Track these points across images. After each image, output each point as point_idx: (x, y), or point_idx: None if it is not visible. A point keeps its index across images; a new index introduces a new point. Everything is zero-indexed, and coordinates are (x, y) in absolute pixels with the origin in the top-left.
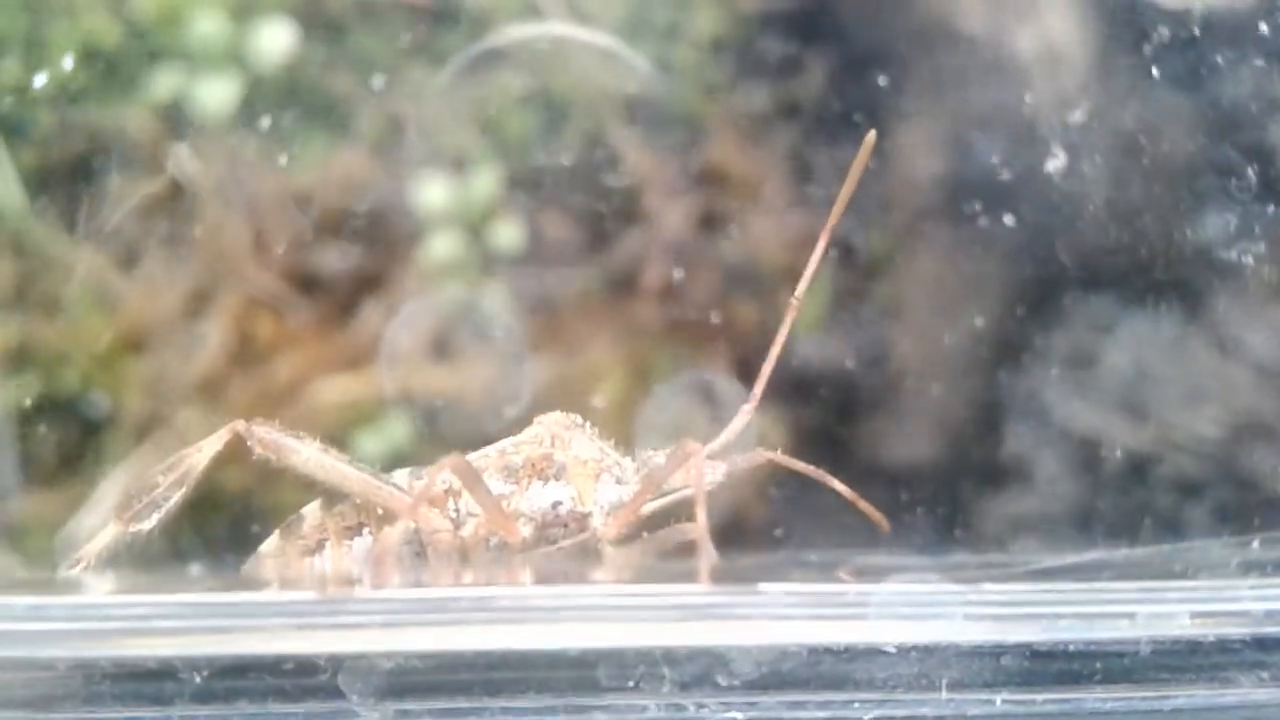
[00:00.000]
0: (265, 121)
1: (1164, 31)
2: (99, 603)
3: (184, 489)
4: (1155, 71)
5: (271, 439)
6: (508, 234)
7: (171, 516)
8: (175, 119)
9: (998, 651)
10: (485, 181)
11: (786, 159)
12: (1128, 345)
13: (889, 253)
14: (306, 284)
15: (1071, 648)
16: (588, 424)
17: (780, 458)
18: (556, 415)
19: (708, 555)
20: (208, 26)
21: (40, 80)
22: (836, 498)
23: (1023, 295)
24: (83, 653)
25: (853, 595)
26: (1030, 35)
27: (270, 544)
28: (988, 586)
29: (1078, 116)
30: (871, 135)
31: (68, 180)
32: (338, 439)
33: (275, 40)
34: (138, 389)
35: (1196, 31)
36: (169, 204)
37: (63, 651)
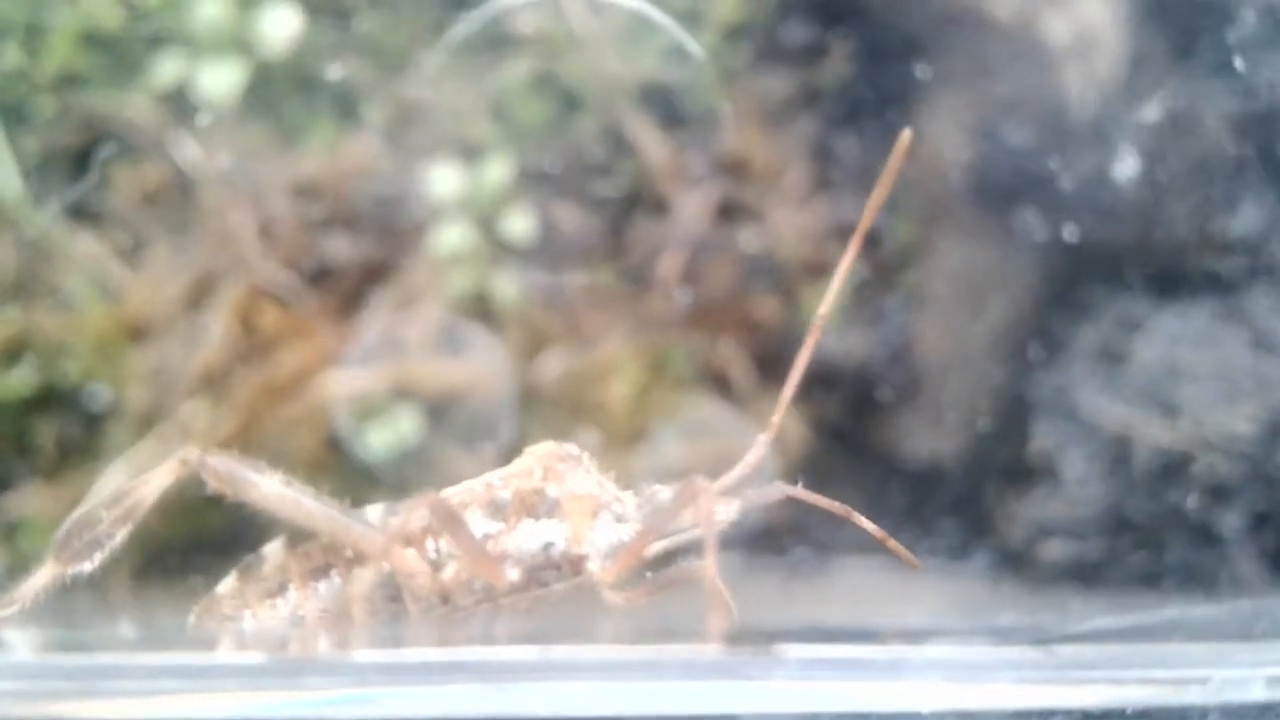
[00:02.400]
0: (270, 108)
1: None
2: (27, 663)
3: (129, 526)
4: (1190, 57)
5: (226, 471)
6: (519, 224)
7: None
8: (179, 105)
9: (1045, 715)
10: (497, 170)
11: (808, 147)
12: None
13: (913, 242)
14: (313, 274)
15: (1129, 711)
16: (585, 455)
17: (801, 492)
18: (549, 446)
19: (721, 610)
20: (212, 11)
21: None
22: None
23: (1052, 286)
24: (12, 714)
25: (886, 658)
26: (1062, 20)
27: (226, 585)
28: (1041, 648)
29: (1110, 104)
30: (906, 134)
31: (69, 167)
32: (344, 432)
33: (280, 25)
34: (140, 380)
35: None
36: (172, 192)
37: None
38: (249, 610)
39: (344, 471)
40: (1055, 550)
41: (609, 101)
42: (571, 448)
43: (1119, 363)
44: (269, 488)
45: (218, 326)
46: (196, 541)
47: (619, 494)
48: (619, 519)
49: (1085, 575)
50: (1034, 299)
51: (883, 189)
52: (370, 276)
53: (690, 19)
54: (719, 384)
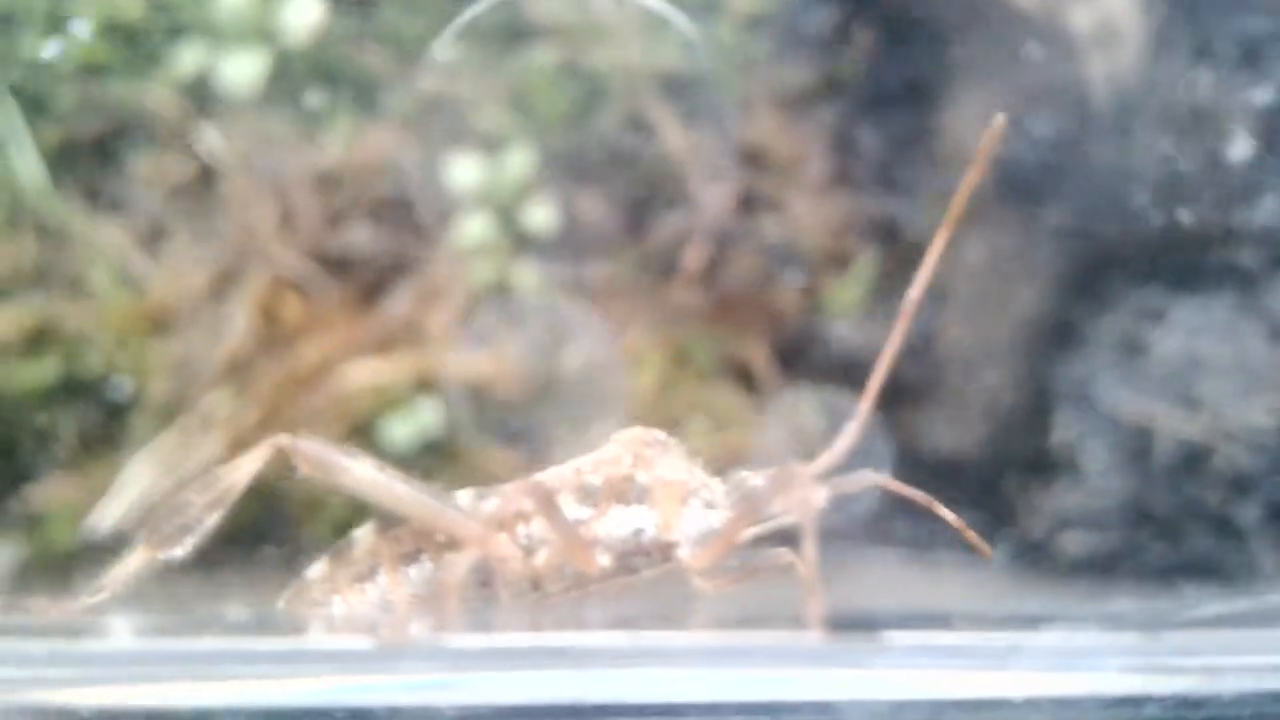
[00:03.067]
0: (292, 98)
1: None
2: (126, 649)
3: (220, 510)
4: (1212, 47)
5: (318, 456)
6: (540, 215)
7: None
8: (201, 95)
9: (1140, 701)
10: (518, 160)
11: (830, 137)
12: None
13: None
14: (335, 265)
15: (1227, 696)
16: (673, 440)
17: (889, 481)
18: (638, 431)
19: (819, 596)
20: (234, 0)
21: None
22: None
23: (1073, 278)
24: (108, 703)
25: (986, 645)
26: (1086, 10)
27: (317, 569)
28: (1148, 634)
29: (1132, 95)
30: (1000, 120)
31: (91, 158)
32: (366, 423)
33: (303, 14)
34: (162, 371)
35: None
36: (194, 182)
37: (87, 700)
38: (338, 595)
39: None
40: (1076, 542)
41: (630, 91)
42: (659, 433)
43: (1139, 354)
44: (362, 473)
45: (240, 317)
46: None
47: (708, 480)
48: (708, 505)
49: (1106, 567)
50: (1055, 291)
51: (975, 174)
52: (392, 267)
53: (710, 9)
54: (741, 375)
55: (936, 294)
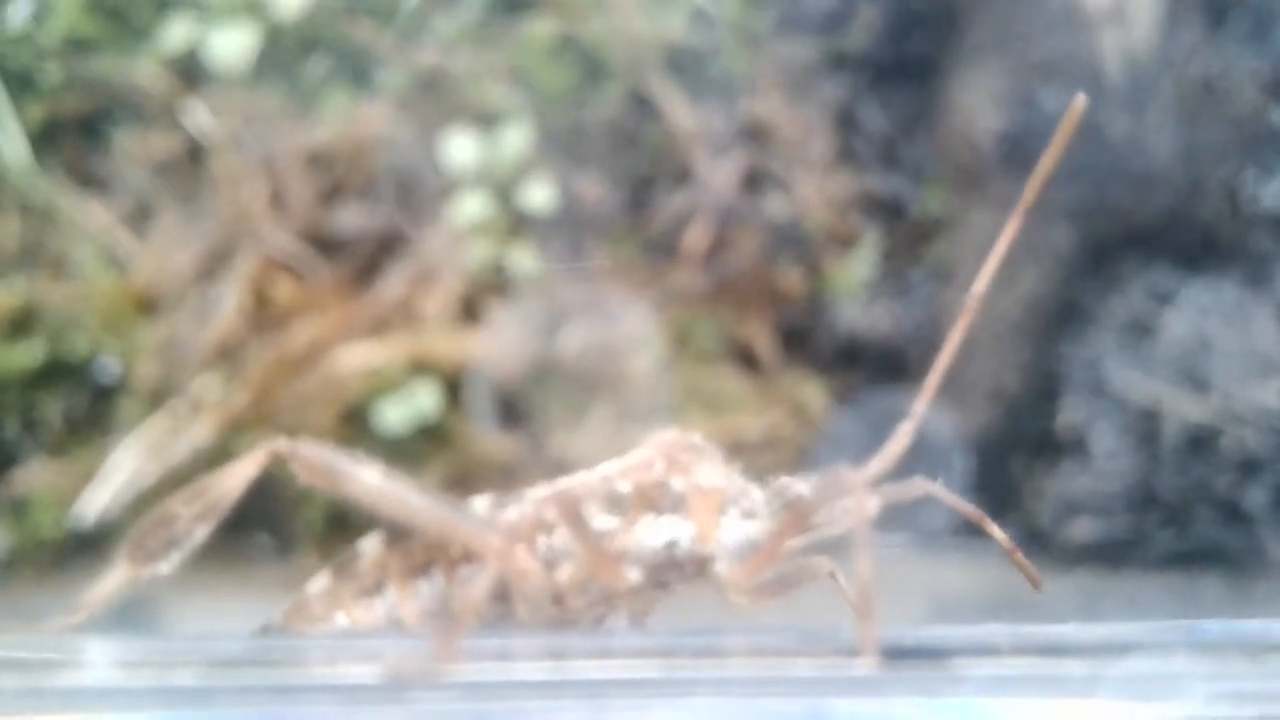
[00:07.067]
0: (283, 73)
1: None
2: (101, 685)
3: (210, 523)
4: (1224, 24)
5: (320, 462)
6: (539, 193)
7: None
8: (189, 71)
9: None
10: (515, 137)
11: (835, 114)
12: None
13: (941, 212)
14: (327, 245)
15: None
16: (709, 444)
17: (940, 491)
18: (672, 435)
19: (872, 621)
20: None
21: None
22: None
23: (1082, 258)
24: None
25: (1074, 674)
26: None
27: (318, 585)
28: (1231, 660)
29: (1144, 73)
30: (1079, 100)
31: (76, 135)
32: (360, 407)
33: None
34: (150, 353)
35: None
36: (182, 160)
37: None
38: (342, 611)
39: (361, 446)
40: (1083, 529)
41: (632, 66)
42: (695, 437)
43: (1148, 336)
44: (369, 480)
45: (230, 298)
46: None
47: (747, 487)
48: (747, 515)
49: (1113, 555)
50: (1063, 270)
51: (1050, 160)
52: (386, 247)
53: None
54: (744, 357)
55: (942, 272)
